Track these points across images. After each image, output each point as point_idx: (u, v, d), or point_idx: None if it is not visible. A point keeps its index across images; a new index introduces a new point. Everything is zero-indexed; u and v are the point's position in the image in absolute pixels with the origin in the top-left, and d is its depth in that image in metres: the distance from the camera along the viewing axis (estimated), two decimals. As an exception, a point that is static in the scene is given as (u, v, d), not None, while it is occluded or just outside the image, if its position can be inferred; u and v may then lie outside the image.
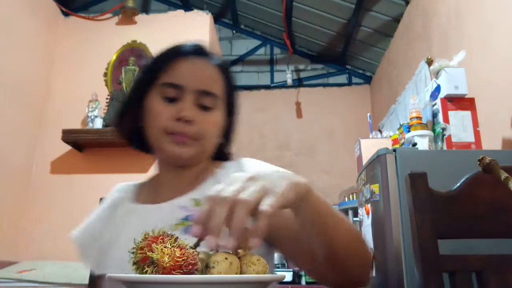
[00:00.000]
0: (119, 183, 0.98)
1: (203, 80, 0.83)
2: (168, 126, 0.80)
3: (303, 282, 3.05)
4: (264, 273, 0.52)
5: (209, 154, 0.88)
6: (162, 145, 0.81)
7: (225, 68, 0.89)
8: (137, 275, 0.49)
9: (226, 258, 0.50)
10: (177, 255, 0.48)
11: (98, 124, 3.02)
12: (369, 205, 1.83)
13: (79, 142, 3.02)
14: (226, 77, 0.88)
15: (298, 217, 0.61)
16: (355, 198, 2.94)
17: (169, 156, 0.83)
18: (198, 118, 0.81)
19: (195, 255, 0.49)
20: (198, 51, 0.87)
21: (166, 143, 0.81)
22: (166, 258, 0.47)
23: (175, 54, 0.85)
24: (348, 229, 0.67)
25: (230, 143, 0.95)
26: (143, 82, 0.87)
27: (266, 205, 0.49)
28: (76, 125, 3.14)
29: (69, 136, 2.97)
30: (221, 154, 0.94)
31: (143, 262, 0.50)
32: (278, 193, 0.51)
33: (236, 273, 0.50)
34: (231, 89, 0.90)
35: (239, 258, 0.52)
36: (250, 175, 0.53)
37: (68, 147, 3.07)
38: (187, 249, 0.49)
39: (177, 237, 0.52)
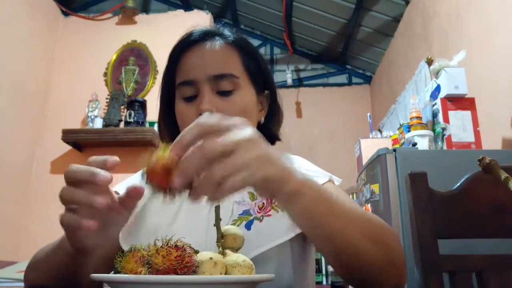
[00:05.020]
0: None
1: (213, 64, 0.77)
2: None
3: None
4: (250, 274, 0.50)
5: None
6: None
7: (240, 43, 0.82)
8: (116, 275, 0.47)
9: (211, 258, 0.49)
10: (173, 257, 0.46)
11: (98, 124, 3.02)
12: (369, 205, 1.83)
13: (79, 142, 3.03)
14: (244, 52, 0.81)
15: (291, 218, 0.55)
16: (355, 198, 2.94)
17: None
18: (219, 107, 0.75)
19: (192, 256, 0.48)
20: (204, 37, 0.81)
21: None
22: (160, 260, 0.46)
23: (181, 49, 0.81)
24: (365, 232, 0.58)
25: (275, 121, 0.88)
26: (166, 89, 0.85)
27: (230, 181, 0.44)
28: (76, 125, 3.14)
29: (69, 136, 2.97)
30: (267, 137, 0.88)
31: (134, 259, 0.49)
32: (246, 177, 0.45)
33: (221, 273, 0.49)
34: (254, 63, 0.83)
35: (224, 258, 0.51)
36: (245, 142, 0.46)
37: (68, 147, 3.07)
38: (184, 250, 0.48)
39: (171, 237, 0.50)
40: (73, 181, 0.51)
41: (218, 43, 0.80)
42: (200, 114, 0.74)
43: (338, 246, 0.56)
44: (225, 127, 0.46)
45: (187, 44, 0.81)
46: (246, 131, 0.47)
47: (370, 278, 0.59)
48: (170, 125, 0.85)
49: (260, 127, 0.85)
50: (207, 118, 0.46)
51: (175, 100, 0.81)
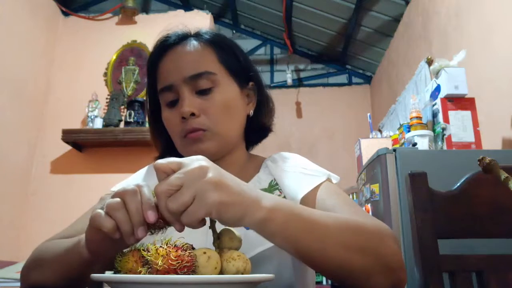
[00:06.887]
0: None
1: (188, 65, 0.77)
2: (179, 130, 0.77)
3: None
4: (245, 269, 0.50)
5: (235, 136, 0.82)
6: (185, 149, 0.78)
7: (214, 40, 0.81)
8: (116, 275, 0.48)
9: (204, 253, 0.49)
10: (172, 257, 0.46)
11: (98, 124, 3.02)
12: (369, 205, 1.83)
13: (79, 142, 3.03)
14: (219, 48, 0.81)
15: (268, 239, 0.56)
16: (355, 198, 2.94)
17: None
18: (200, 107, 0.76)
19: (191, 256, 0.48)
20: (178, 40, 0.81)
21: (187, 147, 0.78)
22: (160, 260, 0.46)
23: (157, 55, 0.82)
24: (348, 242, 0.57)
25: (265, 112, 0.87)
26: (150, 97, 0.86)
27: (185, 215, 0.48)
28: (76, 125, 3.14)
29: (69, 136, 2.97)
30: (260, 128, 0.88)
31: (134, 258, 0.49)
32: (197, 209, 0.48)
33: (216, 268, 0.49)
34: (232, 57, 0.82)
35: (220, 254, 0.51)
36: (190, 176, 0.49)
37: (68, 147, 3.07)
38: (183, 249, 0.48)
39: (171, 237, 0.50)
40: (125, 204, 0.50)
41: (191, 43, 0.80)
42: (183, 118, 0.75)
43: (320, 261, 0.57)
44: (173, 168, 0.50)
45: (162, 50, 0.81)
46: (195, 163, 0.50)
47: (362, 284, 0.59)
48: (160, 133, 0.85)
49: (250, 120, 0.85)
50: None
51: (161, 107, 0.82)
